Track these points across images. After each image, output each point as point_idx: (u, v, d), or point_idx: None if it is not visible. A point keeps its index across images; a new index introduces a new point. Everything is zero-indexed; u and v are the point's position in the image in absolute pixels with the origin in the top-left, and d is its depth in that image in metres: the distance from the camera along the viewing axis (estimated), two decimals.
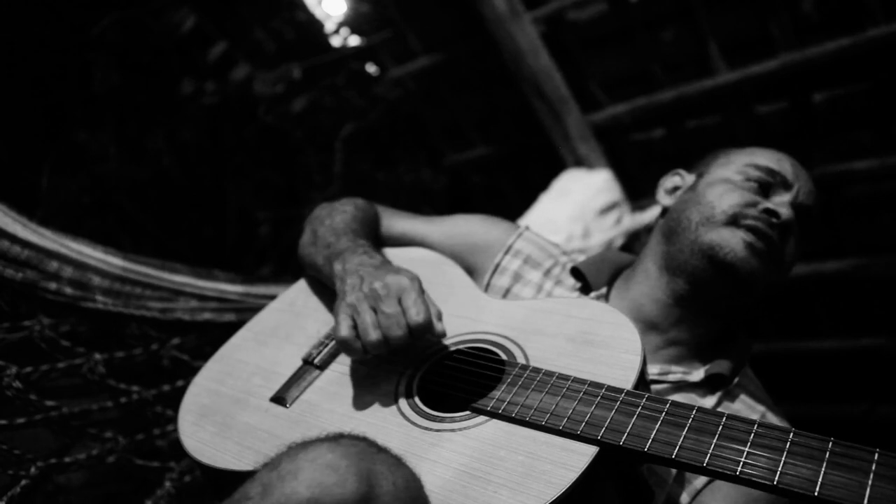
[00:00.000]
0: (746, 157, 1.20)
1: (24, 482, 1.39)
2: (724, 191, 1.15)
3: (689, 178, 1.28)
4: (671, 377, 1.13)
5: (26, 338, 1.56)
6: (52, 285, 1.62)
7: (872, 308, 2.99)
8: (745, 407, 1.14)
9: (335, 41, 3.90)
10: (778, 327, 3.29)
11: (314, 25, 3.90)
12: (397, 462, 0.81)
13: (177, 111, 3.88)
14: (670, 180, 1.32)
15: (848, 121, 2.70)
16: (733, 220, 1.12)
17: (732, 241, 1.09)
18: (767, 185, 1.16)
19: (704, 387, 1.13)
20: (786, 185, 1.16)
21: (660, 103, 2.93)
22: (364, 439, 0.82)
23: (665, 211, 1.27)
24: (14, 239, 1.58)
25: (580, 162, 3.16)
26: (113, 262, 1.81)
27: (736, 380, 1.15)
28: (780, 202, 1.14)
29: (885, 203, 2.78)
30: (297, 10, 3.87)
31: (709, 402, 1.12)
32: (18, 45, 3.45)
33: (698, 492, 1.03)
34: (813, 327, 3.18)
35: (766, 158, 1.18)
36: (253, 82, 3.82)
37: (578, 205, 2.86)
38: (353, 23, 3.83)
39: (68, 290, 1.65)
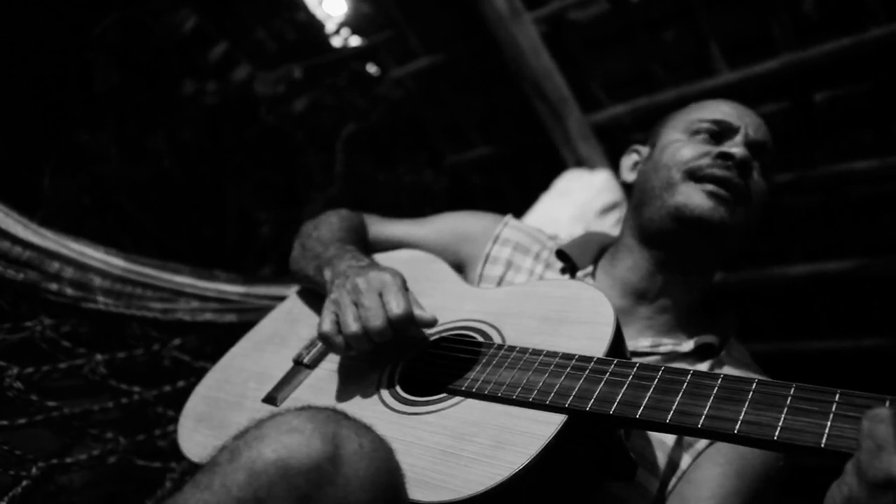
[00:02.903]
0: (689, 113, 1.25)
1: (25, 483, 1.39)
2: (676, 149, 1.19)
3: (645, 150, 1.32)
4: (662, 349, 1.16)
5: (27, 338, 1.57)
6: (54, 286, 1.62)
7: (873, 309, 2.98)
8: (736, 373, 1.15)
9: (336, 41, 3.90)
10: (778, 328, 3.29)
11: (315, 26, 3.89)
12: (364, 426, 0.82)
13: (177, 111, 3.87)
14: (629, 158, 1.37)
15: (849, 121, 2.71)
16: (691, 175, 1.15)
17: (696, 197, 1.13)
18: (716, 133, 1.20)
19: (695, 356, 1.16)
20: (733, 129, 1.19)
21: (661, 103, 2.92)
22: (330, 408, 0.83)
23: (632, 186, 1.31)
24: (15, 240, 1.58)
25: (581, 162, 3.16)
26: (114, 262, 1.81)
27: (724, 351, 1.18)
28: (732, 143, 1.17)
29: (886, 203, 2.78)
30: (298, 11, 3.87)
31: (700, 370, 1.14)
32: (18, 45, 3.44)
33: (699, 453, 1.06)
34: (813, 328, 3.18)
35: (708, 111, 1.23)
36: (254, 82, 3.82)
37: (579, 205, 2.86)
38: (353, 23, 3.83)
39: (69, 291, 1.65)
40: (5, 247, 1.54)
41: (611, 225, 2.88)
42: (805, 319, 3.19)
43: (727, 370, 1.15)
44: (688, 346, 1.16)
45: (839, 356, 3.13)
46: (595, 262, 1.31)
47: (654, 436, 1.06)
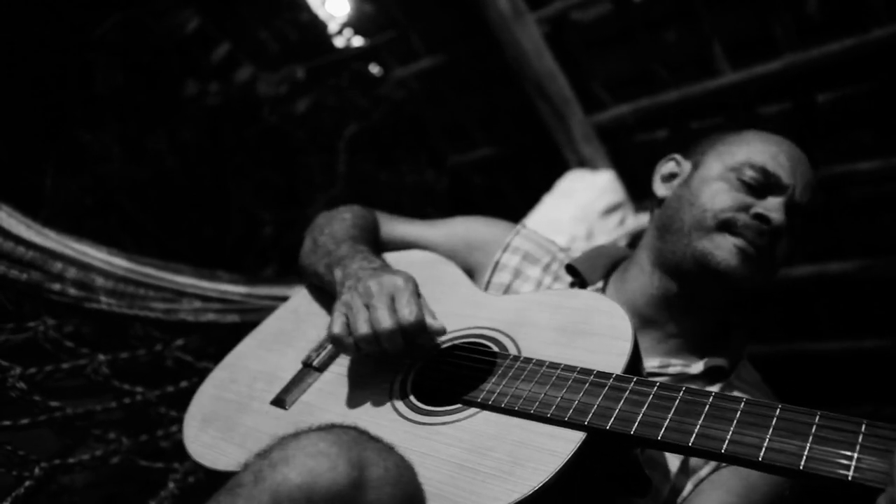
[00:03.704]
0: (743, 152, 1.17)
1: (28, 483, 1.39)
2: (717, 192, 1.14)
3: (686, 166, 1.25)
4: (671, 370, 1.15)
5: (31, 338, 1.57)
6: (57, 286, 1.62)
7: (874, 309, 2.98)
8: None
9: (339, 42, 3.90)
10: (779, 329, 3.29)
11: (318, 26, 3.89)
12: (388, 449, 0.81)
13: (178, 111, 3.88)
14: (666, 166, 1.30)
15: (851, 121, 2.71)
16: (724, 226, 1.11)
17: (725, 249, 1.10)
18: (762, 185, 1.13)
19: (704, 378, 1.15)
20: (780, 186, 1.13)
21: (663, 104, 2.92)
22: (354, 428, 0.82)
23: (661, 201, 1.25)
24: (18, 240, 1.58)
25: (584, 163, 3.16)
26: (117, 262, 1.81)
27: (734, 373, 1.16)
28: (774, 205, 1.11)
29: (887, 204, 2.78)
30: (301, 11, 3.87)
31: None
32: (19, 45, 3.44)
33: (702, 480, 1.04)
34: (814, 329, 3.18)
35: (763, 156, 1.14)
36: (256, 83, 3.82)
37: (582, 206, 2.86)
38: (356, 23, 3.83)
39: (72, 291, 1.65)
40: (9, 247, 1.54)
41: (614, 226, 2.89)
42: (806, 320, 3.19)
43: (737, 394, 1.12)
44: (697, 367, 1.15)
45: (840, 357, 3.13)
46: (606, 277, 1.28)
47: (658, 461, 1.05)
